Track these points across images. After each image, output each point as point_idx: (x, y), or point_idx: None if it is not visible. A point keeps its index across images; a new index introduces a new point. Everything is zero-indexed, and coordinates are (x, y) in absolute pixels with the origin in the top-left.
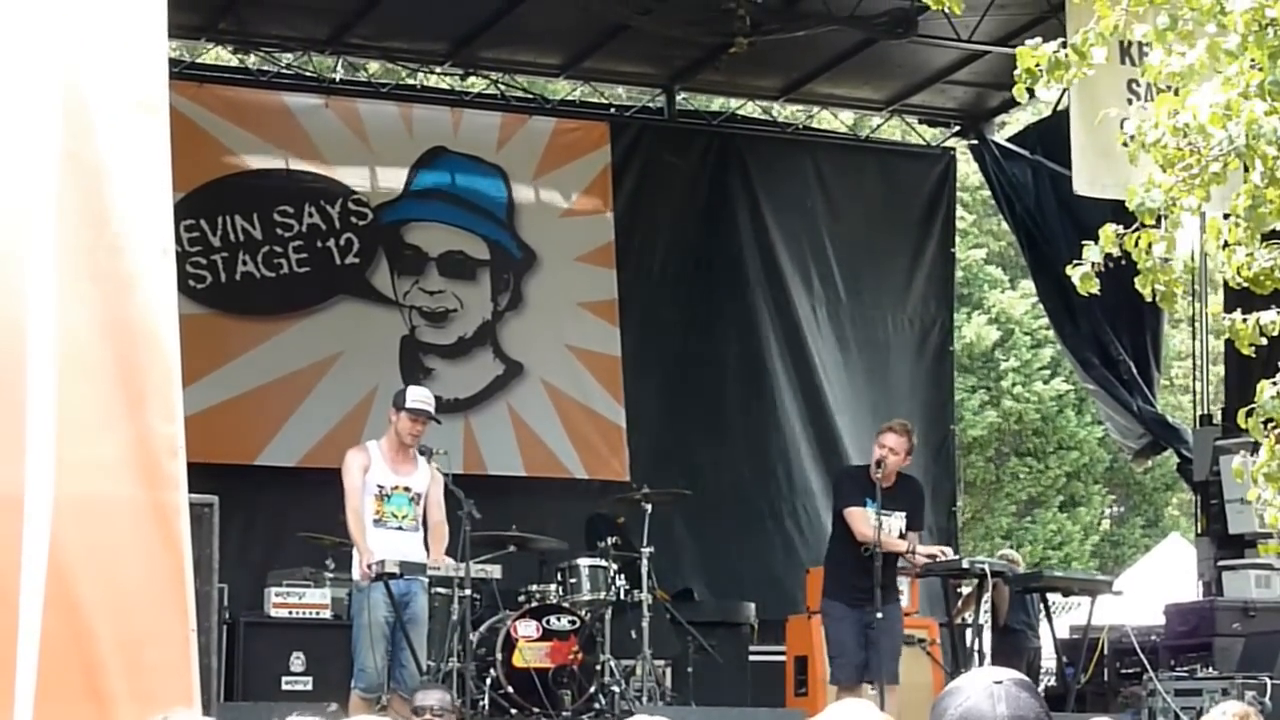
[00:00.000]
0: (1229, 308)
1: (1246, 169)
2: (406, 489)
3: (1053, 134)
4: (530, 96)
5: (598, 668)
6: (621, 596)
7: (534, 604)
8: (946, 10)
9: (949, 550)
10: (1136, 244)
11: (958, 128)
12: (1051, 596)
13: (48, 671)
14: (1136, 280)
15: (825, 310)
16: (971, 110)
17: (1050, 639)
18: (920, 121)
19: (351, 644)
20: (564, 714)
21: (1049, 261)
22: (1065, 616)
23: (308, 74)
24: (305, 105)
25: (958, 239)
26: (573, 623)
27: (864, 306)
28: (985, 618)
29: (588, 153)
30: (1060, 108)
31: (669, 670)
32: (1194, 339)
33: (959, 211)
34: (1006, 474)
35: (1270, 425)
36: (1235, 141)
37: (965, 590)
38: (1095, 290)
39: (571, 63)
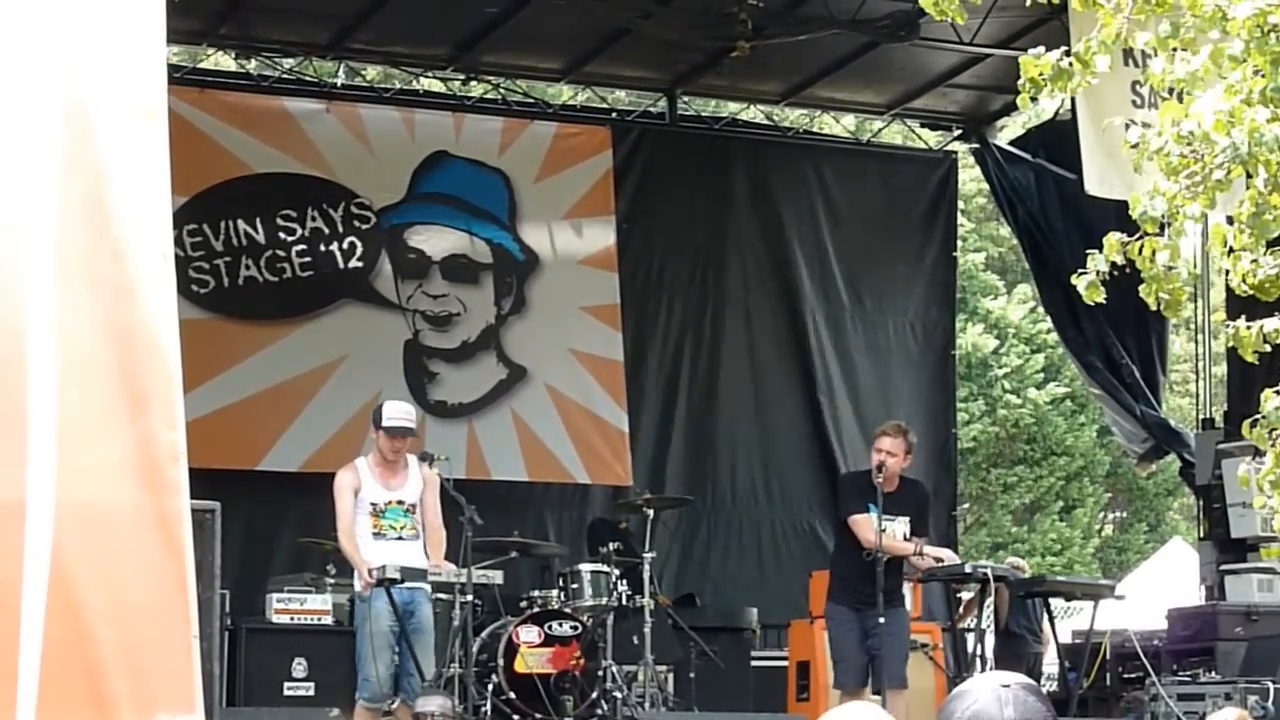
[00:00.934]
0: (1230, 312)
1: (1250, 176)
2: (400, 502)
3: (1055, 137)
4: (532, 101)
5: (600, 673)
6: (624, 602)
7: (536, 609)
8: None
9: (952, 554)
10: (1140, 252)
11: (959, 131)
12: (1054, 601)
13: (50, 677)
14: (1141, 289)
15: (827, 314)
16: (973, 114)
17: (1053, 644)
18: (922, 125)
19: (355, 654)
20: (566, 719)
21: (1052, 265)
22: (1067, 621)
23: (309, 79)
24: (307, 110)
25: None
26: (575, 628)
27: (866, 310)
28: (988, 622)
29: (589, 157)
30: (1062, 111)
31: (671, 675)
32: (1195, 343)
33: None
34: (996, 482)
35: (1275, 434)
36: (1239, 149)
37: (966, 595)
38: (1101, 299)
39: (573, 67)
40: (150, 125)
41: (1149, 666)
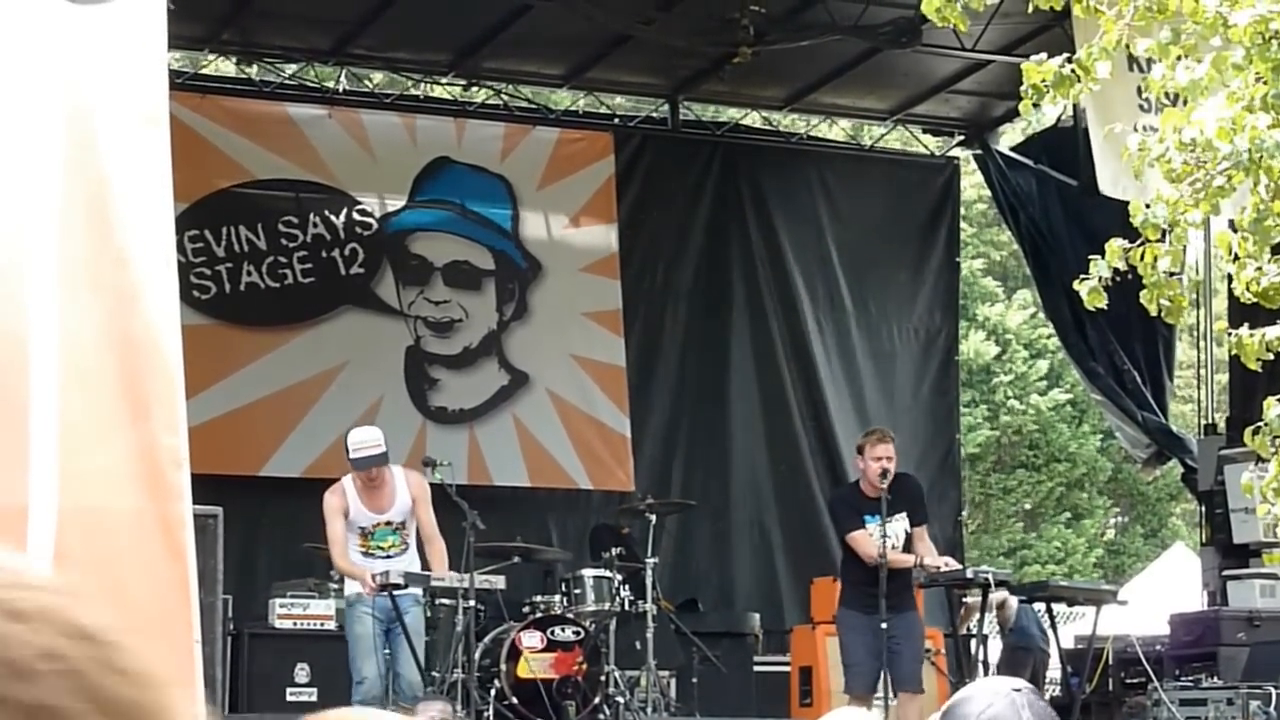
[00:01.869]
0: (1233, 320)
1: (1253, 182)
2: (388, 523)
3: (1057, 143)
4: (534, 107)
5: (602, 678)
6: (626, 607)
7: (539, 615)
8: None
9: (953, 562)
10: (1142, 258)
11: (961, 137)
12: (1056, 606)
13: None
14: (1142, 295)
15: (830, 319)
16: (975, 119)
17: (1055, 649)
18: (924, 131)
19: (348, 658)
20: None
21: (1055, 272)
22: (1070, 626)
23: (311, 84)
24: (309, 116)
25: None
26: (577, 633)
27: (869, 316)
28: (990, 627)
29: (591, 163)
30: (1064, 117)
31: (673, 681)
32: (1197, 349)
33: None
34: (997, 487)
35: (1277, 441)
36: (1241, 155)
37: (969, 600)
38: (1103, 304)
39: (575, 73)
40: (152, 131)
41: (1151, 672)
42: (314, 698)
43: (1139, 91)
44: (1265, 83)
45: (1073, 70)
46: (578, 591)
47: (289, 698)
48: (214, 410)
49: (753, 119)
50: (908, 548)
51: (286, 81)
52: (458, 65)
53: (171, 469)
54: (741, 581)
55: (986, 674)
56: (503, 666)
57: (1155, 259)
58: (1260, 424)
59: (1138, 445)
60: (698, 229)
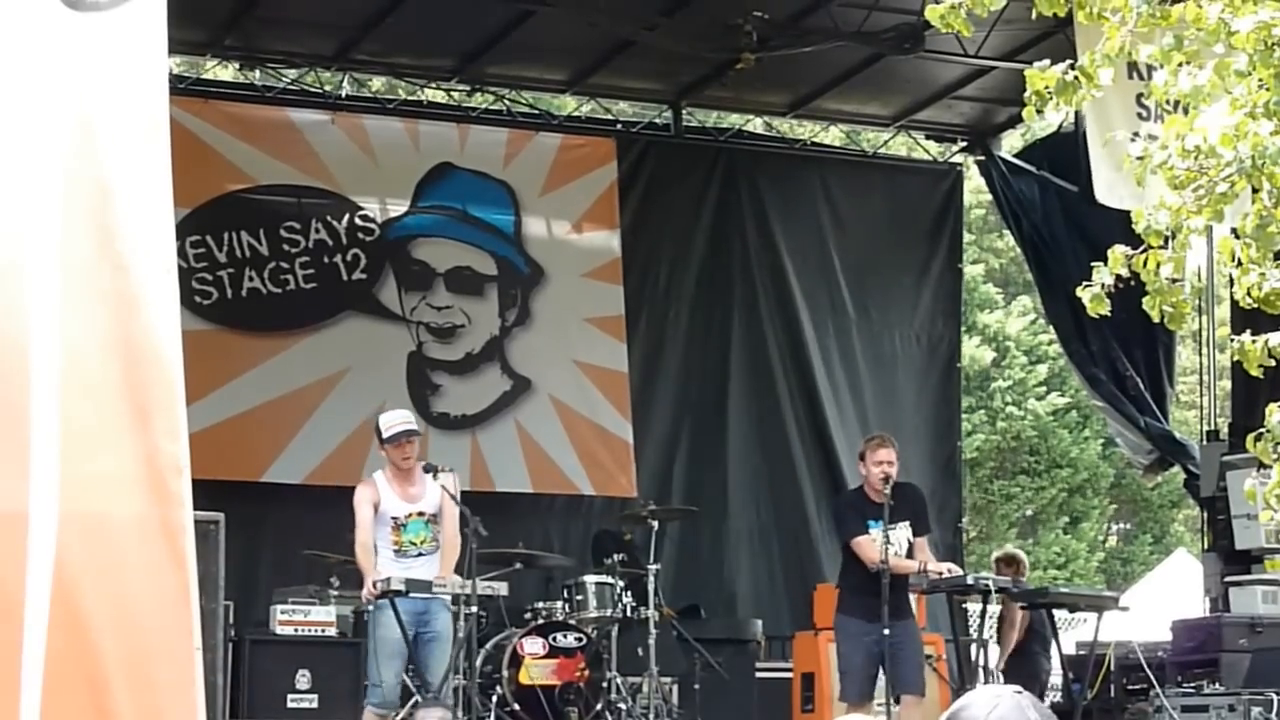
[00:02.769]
0: (1235, 326)
1: (1255, 189)
2: (421, 514)
3: (1059, 150)
4: (536, 112)
5: (604, 685)
6: (628, 613)
7: (540, 621)
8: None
9: (956, 568)
10: (1145, 265)
11: (964, 143)
12: (1058, 613)
13: (53, 689)
14: (1144, 301)
15: (832, 326)
16: (978, 125)
17: (1057, 655)
18: (927, 137)
19: (365, 660)
20: None
21: (1057, 278)
22: (1071, 633)
23: (313, 90)
24: (311, 121)
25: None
26: (579, 640)
27: (870, 322)
28: (990, 633)
29: (594, 169)
30: (1066, 123)
31: (675, 687)
32: (1200, 355)
33: None
34: (998, 493)
35: None
36: (1244, 162)
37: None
38: (1105, 311)
39: (578, 78)
40: (152, 137)
41: (1153, 678)
42: (315, 704)
43: (1138, 99)
44: (1268, 89)
45: (1076, 77)
46: (580, 598)
47: (290, 704)
48: (215, 416)
49: (755, 125)
50: (909, 557)
51: (289, 87)
52: (460, 71)
53: (172, 475)
54: (744, 587)
55: (987, 680)
56: (504, 673)
57: (1158, 265)
58: (1263, 430)
59: (1140, 451)
60: (700, 234)
